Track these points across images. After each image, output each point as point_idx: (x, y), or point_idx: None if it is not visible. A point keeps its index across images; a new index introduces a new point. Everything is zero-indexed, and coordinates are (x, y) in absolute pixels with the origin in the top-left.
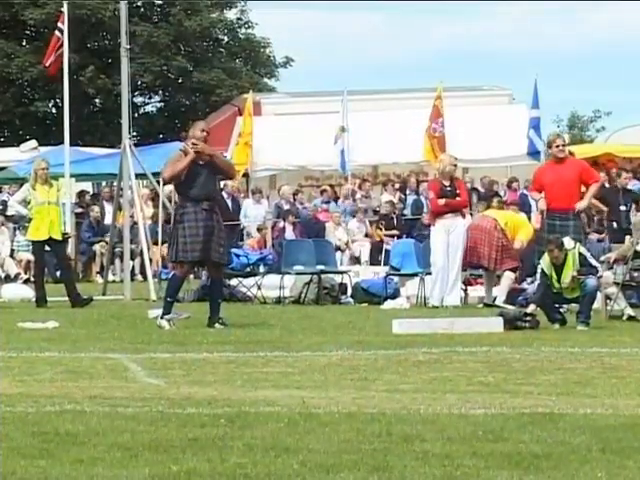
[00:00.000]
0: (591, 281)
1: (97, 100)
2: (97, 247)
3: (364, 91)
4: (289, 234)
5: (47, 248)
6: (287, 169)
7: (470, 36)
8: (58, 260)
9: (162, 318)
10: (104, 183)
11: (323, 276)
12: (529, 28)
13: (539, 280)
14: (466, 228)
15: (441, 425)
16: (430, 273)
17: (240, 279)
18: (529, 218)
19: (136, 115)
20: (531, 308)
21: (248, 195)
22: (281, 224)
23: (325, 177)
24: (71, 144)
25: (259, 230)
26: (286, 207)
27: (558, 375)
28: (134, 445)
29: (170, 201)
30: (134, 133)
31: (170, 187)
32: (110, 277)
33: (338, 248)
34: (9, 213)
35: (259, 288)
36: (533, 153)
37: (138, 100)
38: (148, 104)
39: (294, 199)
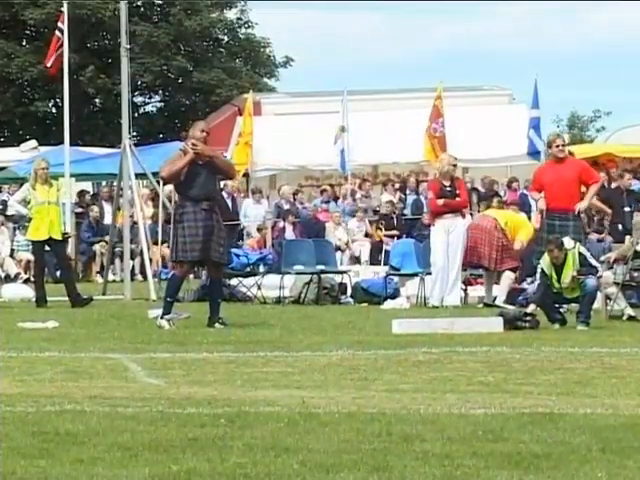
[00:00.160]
0: (591, 281)
1: (97, 100)
2: (97, 247)
3: (364, 91)
4: (289, 234)
5: (47, 248)
6: (287, 169)
7: (470, 36)
8: (58, 260)
9: (162, 318)
10: (104, 183)
11: (323, 276)
12: (529, 28)
13: (539, 280)
14: (466, 228)
15: (441, 425)
16: (430, 273)
17: (240, 279)
18: (529, 218)
19: (136, 115)
20: (531, 308)
21: (248, 195)
22: (281, 224)
23: (325, 177)
24: (71, 144)
25: (259, 230)
26: (286, 207)
27: (558, 375)
28: (134, 445)
29: (170, 201)
30: (134, 133)
31: (170, 187)
32: (110, 277)
33: (338, 248)
34: (9, 213)
35: (259, 288)
36: (533, 153)
37: (138, 100)
38: (148, 104)
39: (294, 199)
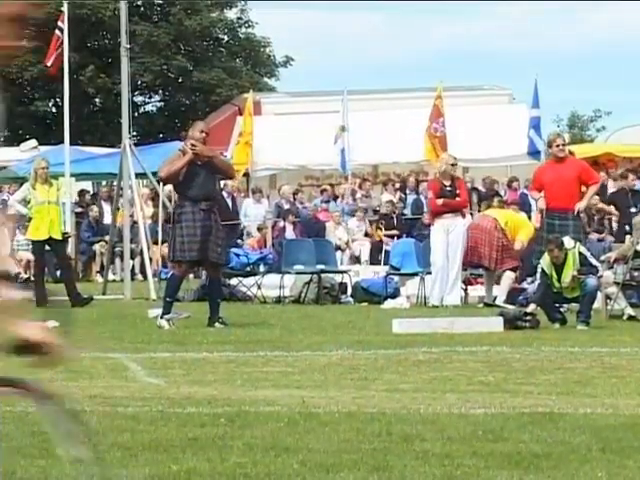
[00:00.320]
0: (591, 281)
1: (97, 99)
2: (97, 247)
3: (364, 91)
4: (289, 234)
5: (47, 248)
6: (287, 169)
7: (470, 36)
8: (58, 260)
9: (162, 318)
10: (104, 183)
11: (323, 276)
12: (529, 28)
13: (539, 280)
14: (466, 228)
15: (441, 425)
16: (430, 273)
17: (240, 278)
18: (529, 217)
19: (136, 114)
20: (531, 308)
21: (248, 195)
22: (281, 224)
23: (325, 177)
24: (71, 143)
25: (259, 230)
26: (286, 207)
27: (558, 375)
28: (134, 444)
29: (170, 201)
30: (134, 133)
31: (170, 187)
32: (110, 276)
33: (338, 248)
34: (9, 212)
35: (259, 287)
36: (533, 153)
37: (138, 99)
38: (148, 103)
39: (294, 199)
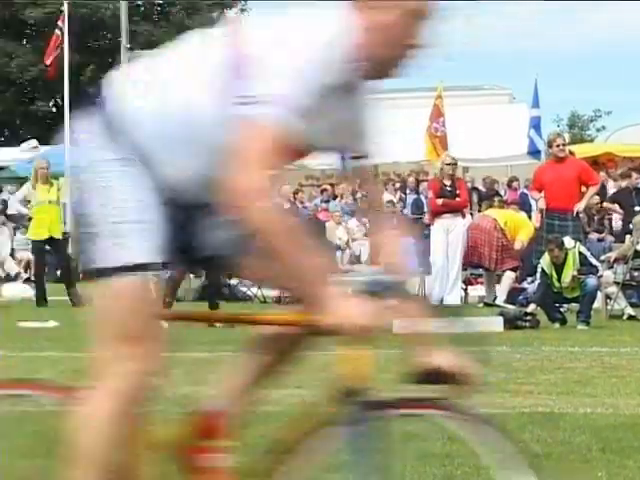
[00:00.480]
0: (591, 280)
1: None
2: None
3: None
4: None
5: (47, 247)
6: (287, 168)
7: (470, 36)
8: (58, 259)
9: None
10: None
11: None
12: (529, 28)
13: (539, 279)
14: (466, 228)
15: (441, 425)
16: (430, 273)
17: (240, 278)
18: (530, 217)
19: None
20: (531, 307)
21: None
22: None
23: (325, 176)
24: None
25: None
26: (286, 206)
27: (558, 374)
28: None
29: None
30: None
31: None
32: None
33: (338, 247)
34: (9, 212)
35: (259, 287)
36: (533, 152)
37: None
38: None
39: (294, 198)
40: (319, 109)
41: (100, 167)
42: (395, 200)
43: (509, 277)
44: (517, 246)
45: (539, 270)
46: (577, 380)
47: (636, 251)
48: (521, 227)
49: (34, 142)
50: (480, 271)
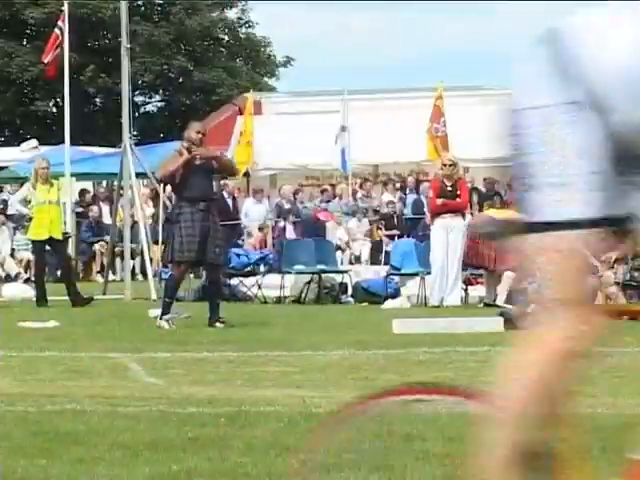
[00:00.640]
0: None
1: (97, 99)
2: (97, 247)
3: (364, 90)
4: (289, 234)
5: (47, 247)
6: (288, 168)
7: (470, 36)
8: (58, 259)
9: (161, 319)
10: (104, 183)
11: (323, 275)
12: (529, 28)
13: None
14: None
15: (442, 424)
16: (430, 273)
17: (241, 278)
18: None
19: (137, 114)
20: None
21: (249, 194)
22: (281, 224)
23: (325, 177)
24: (71, 143)
25: (260, 230)
26: (286, 207)
27: None
28: (134, 444)
29: (171, 201)
30: (134, 132)
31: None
32: (110, 276)
33: (338, 248)
34: (10, 212)
35: (259, 287)
36: None
37: (139, 99)
38: (149, 103)
39: (294, 198)
40: None
41: (548, 111)
42: (395, 200)
43: (509, 277)
44: None
45: None
46: (577, 380)
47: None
48: None
49: (34, 142)
50: (480, 271)
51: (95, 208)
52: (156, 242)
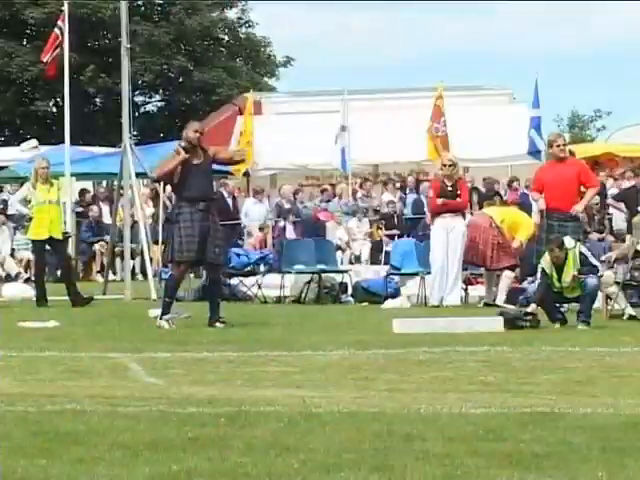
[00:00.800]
0: (592, 280)
1: (97, 99)
2: (97, 247)
3: (364, 90)
4: (289, 234)
5: (47, 247)
6: (288, 168)
7: (470, 36)
8: (58, 259)
9: (161, 319)
10: (104, 183)
11: (323, 275)
12: (529, 28)
13: (540, 279)
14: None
15: (442, 424)
16: (430, 273)
17: (241, 278)
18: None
19: (137, 114)
20: (532, 307)
21: (249, 194)
22: (281, 223)
23: (325, 176)
24: (71, 143)
25: (260, 229)
26: (286, 206)
27: (559, 374)
28: (134, 444)
29: (171, 201)
30: (135, 132)
31: None
32: (110, 276)
33: (338, 247)
34: (10, 212)
35: (259, 287)
36: (534, 152)
37: (139, 99)
38: (149, 103)
39: (294, 198)
40: None
41: None
42: (395, 200)
43: (508, 277)
44: (515, 245)
45: (539, 270)
46: (578, 380)
47: (636, 251)
48: (520, 225)
49: (34, 142)
50: (480, 271)
51: (95, 208)
52: (156, 242)
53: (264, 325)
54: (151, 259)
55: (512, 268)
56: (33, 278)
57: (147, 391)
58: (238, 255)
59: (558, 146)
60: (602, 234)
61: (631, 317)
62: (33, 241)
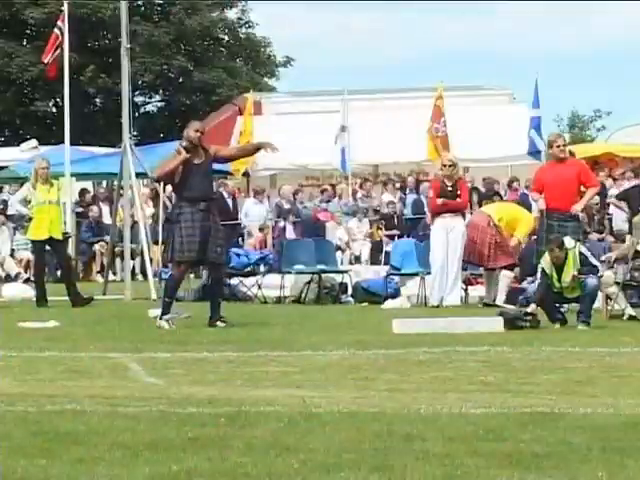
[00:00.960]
0: (592, 281)
1: (97, 99)
2: (97, 247)
3: (364, 90)
4: (289, 234)
5: (47, 247)
6: (287, 168)
7: (470, 36)
8: (58, 260)
9: (161, 319)
10: (104, 183)
11: (323, 276)
12: (529, 28)
13: (540, 280)
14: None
15: (442, 424)
16: (430, 273)
17: (241, 278)
18: None
19: (137, 114)
20: (532, 307)
21: (249, 195)
22: (281, 224)
23: (325, 177)
24: (71, 143)
25: (260, 230)
26: (286, 207)
27: (559, 374)
28: (134, 444)
29: (171, 201)
30: (134, 132)
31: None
32: (110, 277)
33: (338, 248)
34: (10, 212)
35: (259, 287)
36: (534, 152)
37: (139, 99)
38: (148, 103)
39: (294, 198)
40: None
41: None
42: (395, 200)
43: (506, 277)
44: (513, 243)
45: (539, 270)
46: (578, 380)
47: (636, 251)
48: (518, 222)
49: (34, 142)
50: (480, 271)
51: (95, 208)
52: (156, 242)
53: (264, 325)
54: (151, 259)
55: (510, 268)
56: (33, 278)
57: (147, 391)
58: (238, 255)
59: (558, 146)
60: (602, 234)
61: (631, 317)
62: (33, 241)
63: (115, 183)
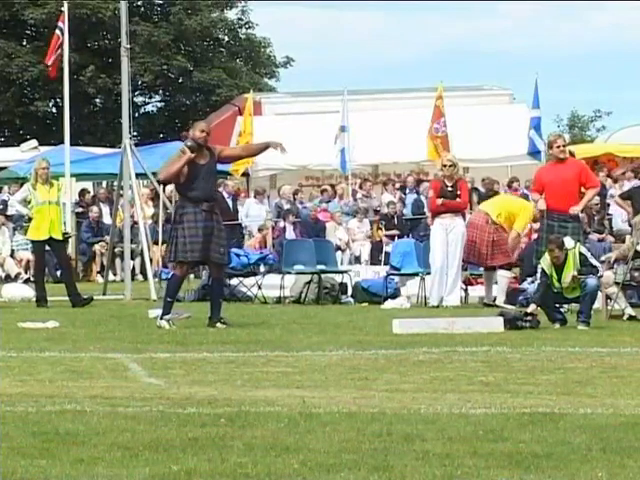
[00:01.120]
0: (592, 281)
1: (97, 100)
2: (97, 247)
3: (364, 91)
4: (289, 234)
5: (47, 248)
6: (287, 169)
7: (470, 36)
8: (58, 260)
9: (161, 319)
10: (104, 183)
11: (323, 276)
12: (529, 28)
13: (540, 280)
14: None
15: (441, 425)
16: (430, 273)
17: (241, 279)
18: None
19: (136, 115)
20: (531, 308)
21: (249, 195)
22: (281, 224)
23: (325, 177)
24: (71, 144)
25: (260, 230)
26: (286, 207)
27: (559, 375)
28: (134, 445)
29: (171, 201)
30: (134, 133)
31: (171, 187)
32: (110, 277)
33: (338, 248)
34: (9, 213)
35: (259, 288)
36: (534, 153)
37: (138, 100)
38: (148, 104)
39: (294, 199)
40: None
41: None
42: (395, 200)
43: (504, 276)
44: (512, 236)
45: (539, 270)
46: (577, 380)
47: (636, 251)
48: (517, 215)
49: (34, 142)
50: (480, 271)
51: (95, 208)
52: (156, 242)
53: (264, 325)
54: (151, 260)
55: (508, 267)
56: (33, 279)
57: (147, 391)
58: (238, 255)
59: (558, 147)
60: (602, 234)
61: (631, 317)
62: (33, 242)
63: (115, 183)
